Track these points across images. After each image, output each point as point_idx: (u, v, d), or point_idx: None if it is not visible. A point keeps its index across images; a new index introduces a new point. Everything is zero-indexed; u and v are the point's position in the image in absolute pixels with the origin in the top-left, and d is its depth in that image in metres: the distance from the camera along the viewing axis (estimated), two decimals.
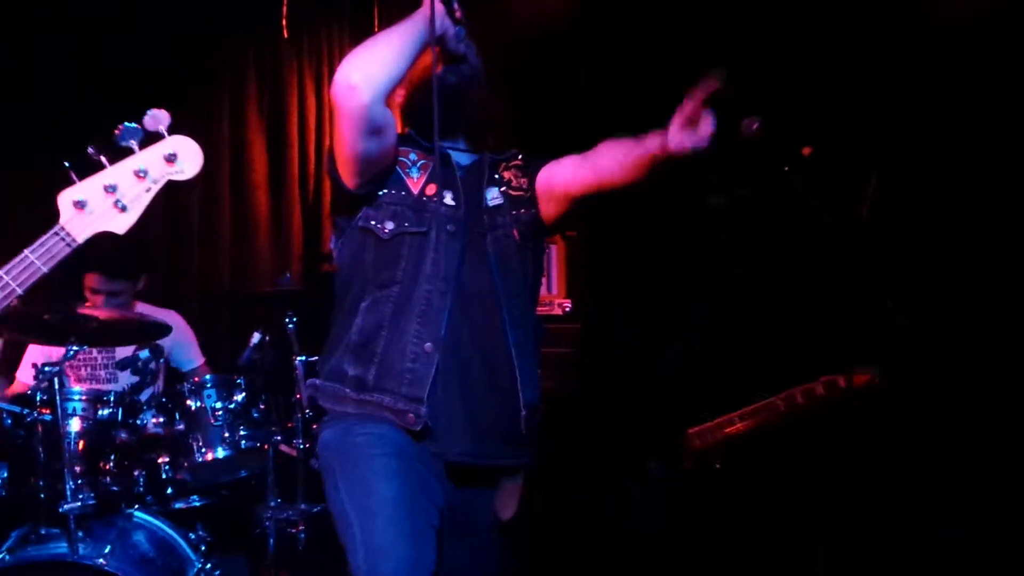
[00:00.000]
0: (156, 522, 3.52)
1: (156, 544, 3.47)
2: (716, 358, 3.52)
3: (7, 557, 3.22)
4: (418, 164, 2.34)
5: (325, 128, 5.48)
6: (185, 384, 3.90)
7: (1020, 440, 3.16)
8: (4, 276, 1.88)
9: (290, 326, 4.03)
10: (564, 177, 2.38)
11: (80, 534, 3.25)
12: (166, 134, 1.95)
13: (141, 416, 3.76)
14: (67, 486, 3.25)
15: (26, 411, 3.43)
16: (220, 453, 3.78)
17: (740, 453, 3.05)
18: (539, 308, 2.72)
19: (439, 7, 2.25)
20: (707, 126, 2.08)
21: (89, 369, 4.30)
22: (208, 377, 3.93)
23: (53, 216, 1.93)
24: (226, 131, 5.38)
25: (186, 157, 1.96)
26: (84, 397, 3.61)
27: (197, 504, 3.88)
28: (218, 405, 3.81)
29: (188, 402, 3.81)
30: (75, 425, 3.53)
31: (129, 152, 1.93)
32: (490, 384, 2.25)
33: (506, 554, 2.37)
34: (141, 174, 1.93)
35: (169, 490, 3.78)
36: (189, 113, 5.25)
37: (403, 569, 2.09)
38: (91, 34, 5.04)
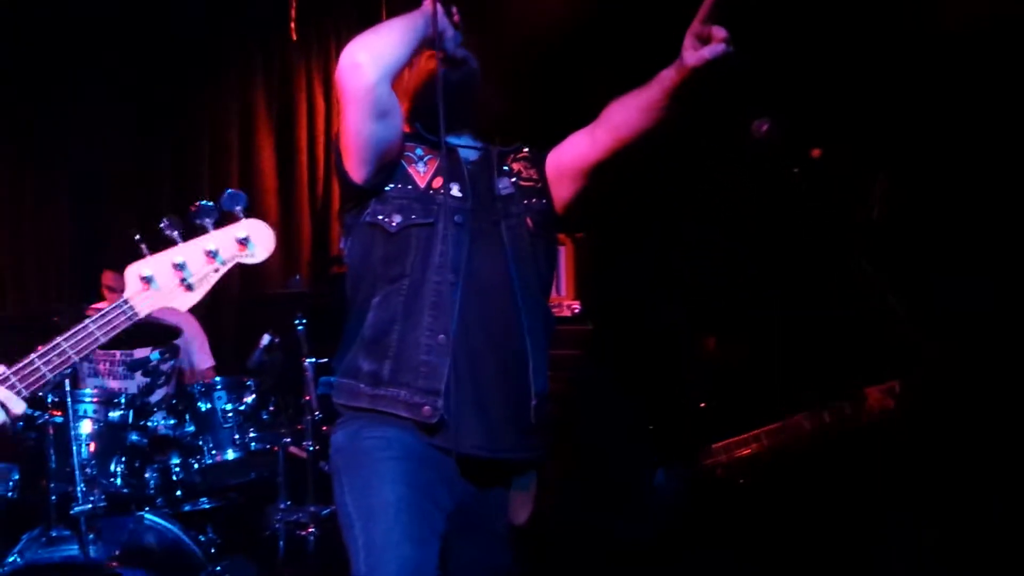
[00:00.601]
0: (166, 524, 3.53)
1: (166, 546, 3.48)
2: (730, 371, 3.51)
3: (19, 559, 3.24)
4: (424, 158, 2.34)
5: (334, 132, 5.49)
6: (195, 386, 3.92)
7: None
8: (64, 343, 1.88)
9: (300, 328, 4.03)
10: (575, 151, 2.37)
11: (91, 536, 3.26)
12: (242, 216, 1.93)
13: (152, 418, 3.78)
14: (78, 488, 3.26)
15: (37, 413, 3.45)
16: (230, 455, 3.79)
17: (763, 470, 3.04)
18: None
19: (440, 8, 2.26)
20: (720, 32, 2.04)
21: (108, 365, 4.32)
22: (218, 379, 3.95)
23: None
24: (235, 134, 5.40)
25: (258, 241, 1.95)
26: (95, 399, 3.63)
27: (207, 506, 3.89)
28: (228, 407, 3.82)
29: (198, 404, 3.83)
30: (86, 427, 3.55)
31: (203, 230, 1.91)
32: (502, 374, 2.24)
33: (517, 558, 2.36)
34: (212, 255, 1.91)
35: (179, 492, 3.79)
36: (198, 117, 5.28)
37: (404, 572, 2.08)
38: (99, 39, 5.06)
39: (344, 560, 2.20)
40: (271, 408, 3.93)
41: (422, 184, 2.30)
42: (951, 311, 3.01)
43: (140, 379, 4.02)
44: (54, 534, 3.34)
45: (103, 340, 1.90)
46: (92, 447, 3.55)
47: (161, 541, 3.50)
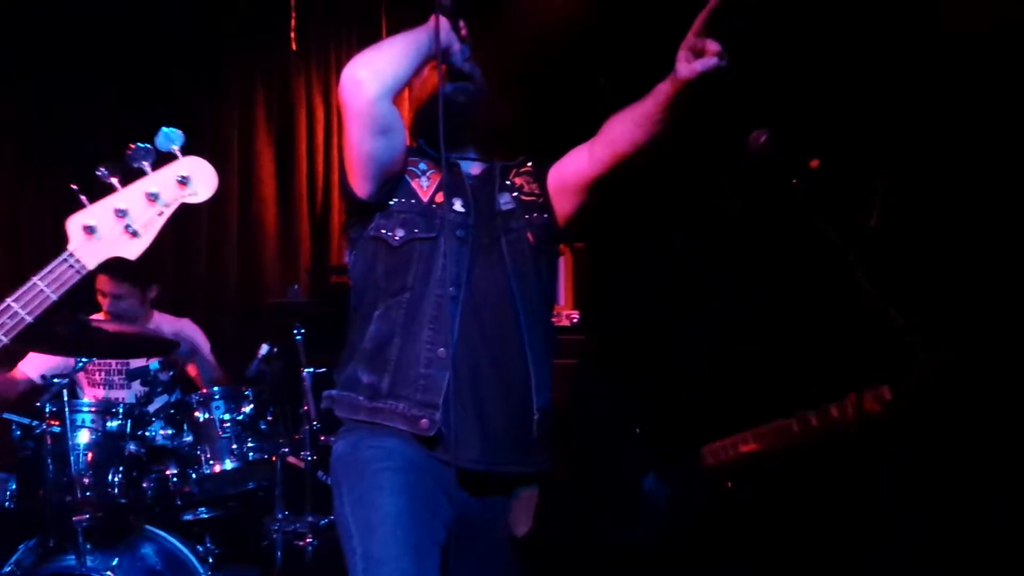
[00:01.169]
0: (164, 534, 3.52)
1: (164, 557, 3.48)
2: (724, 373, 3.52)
3: (16, 570, 3.23)
4: (427, 173, 2.35)
5: (333, 141, 5.50)
6: (193, 396, 3.91)
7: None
8: (14, 305, 1.83)
9: (298, 338, 4.03)
10: (574, 166, 2.37)
11: (88, 547, 3.26)
12: (179, 155, 1.88)
13: (149, 428, 3.77)
14: (75, 498, 3.26)
15: (35, 423, 3.44)
16: (228, 465, 3.78)
17: (751, 472, 3.04)
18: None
19: (445, 23, 2.26)
20: (713, 46, 2.05)
21: (104, 375, 4.32)
22: (216, 389, 3.94)
23: (61, 236, 1.88)
24: (234, 144, 5.40)
25: (200, 179, 1.88)
26: (93, 409, 3.63)
27: (205, 516, 3.88)
28: (226, 417, 3.82)
29: (196, 414, 3.82)
30: (84, 437, 3.54)
31: (141, 174, 1.86)
32: (503, 388, 2.24)
33: (519, 569, 2.36)
34: (153, 197, 1.85)
35: (177, 502, 3.79)
36: (197, 126, 5.29)
37: None
38: (98, 48, 5.08)
39: (342, 570, 2.19)
40: (269, 418, 3.92)
41: (425, 199, 2.31)
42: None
43: (138, 389, 4.02)
44: (51, 544, 3.34)
45: (54, 298, 1.83)
46: (90, 457, 3.54)
47: (159, 551, 3.49)
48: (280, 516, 3.86)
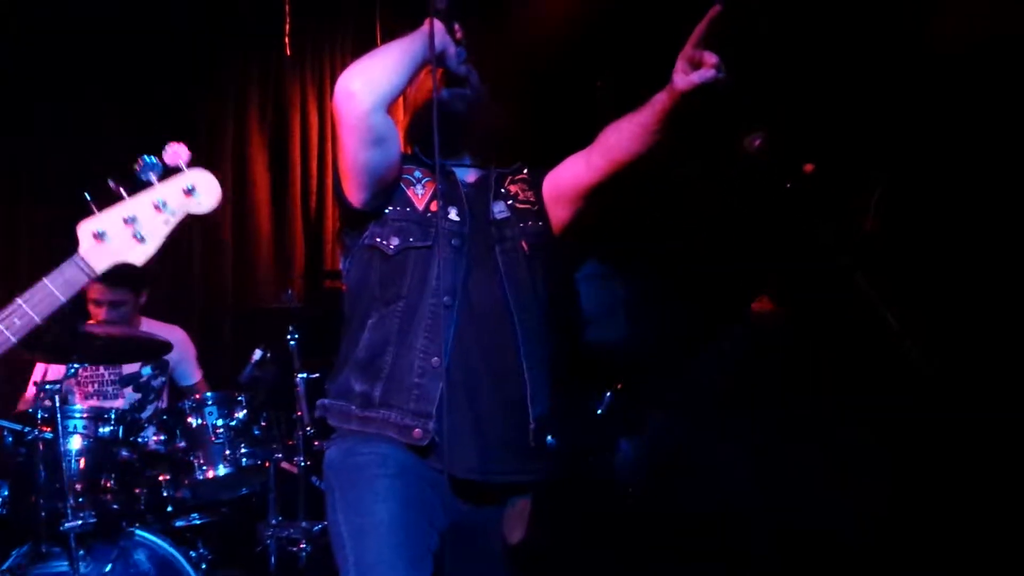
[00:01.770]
0: (157, 540, 3.50)
1: (157, 562, 3.46)
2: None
3: None
4: (423, 181, 2.34)
5: (327, 146, 5.50)
6: (186, 401, 3.89)
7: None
8: (23, 304, 1.88)
9: (292, 343, 4.02)
10: (570, 174, 2.36)
11: (81, 553, 3.24)
12: (185, 168, 1.97)
13: (142, 434, 3.76)
14: (68, 504, 3.24)
15: (27, 429, 3.43)
16: (221, 471, 3.76)
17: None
18: None
19: (440, 26, 2.25)
20: (710, 58, 2.04)
21: (96, 385, 4.30)
22: (209, 394, 3.92)
23: (70, 247, 1.94)
24: (228, 148, 5.40)
25: (204, 190, 1.97)
26: (85, 415, 3.61)
27: (198, 522, 3.87)
28: (219, 422, 3.80)
29: (189, 419, 3.80)
30: (76, 443, 3.53)
31: (148, 185, 1.95)
32: (498, 398, 2.23)
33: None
34: (160, 206, 1.94)
35: (170, 508, 3.77)
36: (192, 130, 5.28)
37: None
38: (94, 51, 5.07)
39: None
40: (263, 423, 3.90)
41: (420, 207, 2.29)
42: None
43: (130, 395, 4.00)
44: (44, 551, 3.31)
45: (63, 299, 1.90)
46: (82, 463, 3.52)
47: (152, 557, 3.47)
48: (273, 522, 3.85)
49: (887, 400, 3.25)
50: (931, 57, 3.57)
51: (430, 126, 2.16)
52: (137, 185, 1.95)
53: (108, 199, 1.95)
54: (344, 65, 5.39)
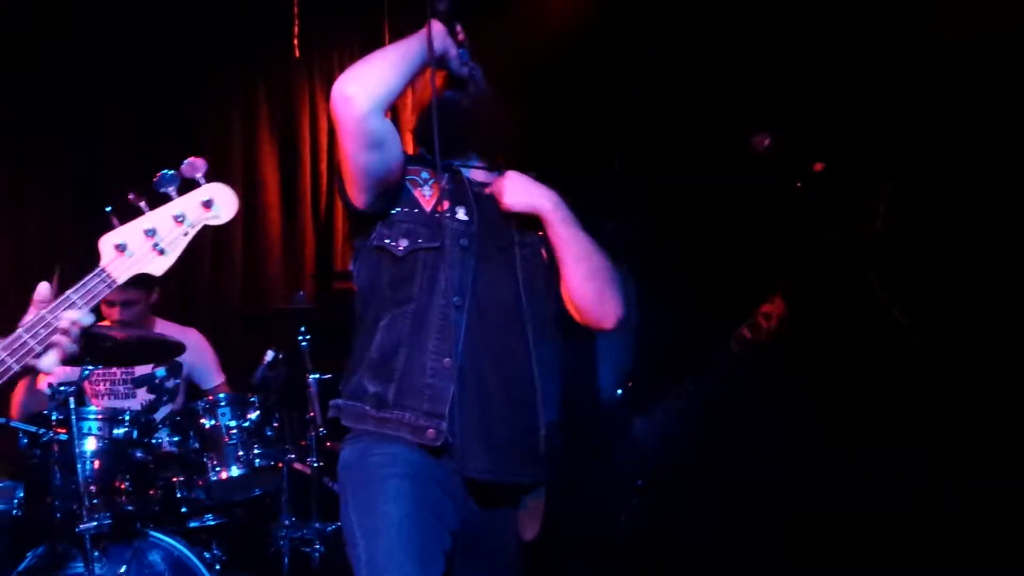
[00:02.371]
0: (171, 541, 3.52)
1: (171, 563, 3.48)
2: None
3: None
4: (430, 182, 2.34)
5: (337, 147, 5.50)
6: (199, 403, 3.90)
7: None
8: (48, 316, 1.92)
9: (303, 344, 4.02)
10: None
11: (96, 554, 3.26)
12: (203, 181, 2.03)
13: (156, 435, 3.77)
14: (83, 506, 3.26)
15: (42, 431, 3.45)
16: (234, 472, 3.78)
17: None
18: None
19: (441, 28, 2.26)
20: None
21: (108, 384, 4.32)
22: (222, 396, 3.94)
23: (77, 247, 1.98)
24: (238, 150, 5.41)
25: (222, 203, 2.05)
26: (99, 416, 3.63)
27: (212, 523, 3.88)
28: (232, 423, 3.82)
29: (202, 421, 3.82)
30: (90, 444, 3.54)
31: (167, 198, 2.01)
32: (509, 399, 2.24)
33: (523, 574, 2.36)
34: (179, 219, 2.01)
35: (184, 509, 3.79)
36: (201, 133, 5.30)
37: None
38: (101, 55, 5.09)
39: None
40: (275, 424, 3.91)
41: (428, 207, 2.30)
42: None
43: (143, 396, 4.02)
44: (59, 552, 3.33)
45: (85, 310, 1.96)
46: (97, 464, 3.54)
47: (166, 558, 3.49)
48: (286, 522, 3.86)
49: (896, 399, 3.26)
50: (942, 56, 3.56)
51: (431, 125, 2.18)
52: (156, 198, 2.01)
53: (128, 212, 2.00)
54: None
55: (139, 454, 3.66)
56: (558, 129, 3.76)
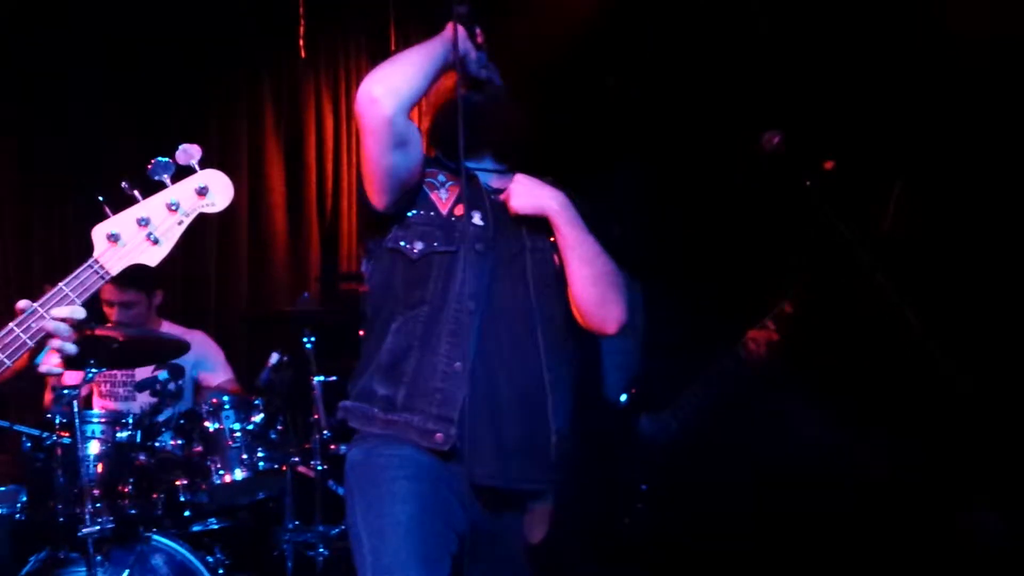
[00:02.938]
0: (174, 545, 3.50)
1: (174, 567, 3.46)
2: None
3: None
4: (446, 185, 2.34)
5: (343, 148, 5.50)
6: (203, 405, 3.89)
7: None
8: (40, 309, 1.89)
9: (308, 346, 4.01)
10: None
11: (99, 558, 3.24)
12: (197, 168, 1.98)
13: (159, 438, 3.76)
14: (86, 510, 3.24)
15: (45, 434, 3.43)
16: (238, 475, 3.76)
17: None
18: None
19: (460, 30, 2.25)
20: None
21: (109, 386, 4.31)
22: (226, 398, 3.91)
23: (82, 246, 1.96)
24: (244, 151, 5.40)
25: (217, 190, 1.99)
26: (103, 420, 3.62)
27: (215, 527, 3.86)
28: (236, 426, 3.80)
29: (206, 424, 3.80)
30: (94, 448, 3.53)
31: (161, 186, 1.97)
32: (520, 406, 2.23)
33: None
34: (173, 207, 1.96)
35: (187, 513, 3.77)
36: (206, 133, 5.29)
37: None
38: (106, 55, 5.09)
39: None
40: (279, 427, 3.90)
41: (444, 211, 2.30)
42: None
43: (143, 400, 4.00)
44: (62, 556, 3.32)
45: (78, 303, 1.92)
46: (100, 468, 3.52)
47: (169, 562, 3.47)
48: (290, 526, 3.84)
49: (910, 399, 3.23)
50: (953, 54, 3.54)
51: (451, 128, 2.17)
52: (150, 187, 1.96)
53: (122, 202, 1.96)
54: (359, 67, 5.46)
55: (142, 457, 3.64)
56: (567, 131, 3.75)
